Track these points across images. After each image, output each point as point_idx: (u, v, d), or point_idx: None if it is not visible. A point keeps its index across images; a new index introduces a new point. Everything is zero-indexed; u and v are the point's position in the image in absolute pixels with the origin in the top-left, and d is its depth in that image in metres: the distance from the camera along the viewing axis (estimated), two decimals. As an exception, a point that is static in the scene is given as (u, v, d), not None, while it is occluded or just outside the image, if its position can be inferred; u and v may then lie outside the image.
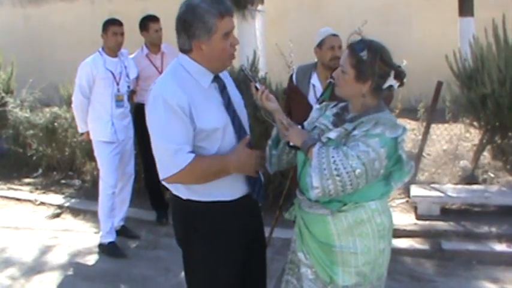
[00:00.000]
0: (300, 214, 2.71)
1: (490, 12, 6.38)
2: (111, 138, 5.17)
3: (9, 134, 7.91)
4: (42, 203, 6.67)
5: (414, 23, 9.87)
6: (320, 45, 4.15)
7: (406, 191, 5.83)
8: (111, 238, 5.22)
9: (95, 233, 5.64)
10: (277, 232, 4.59)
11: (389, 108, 2.75)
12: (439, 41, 8.73)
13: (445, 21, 9.15)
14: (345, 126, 2.52)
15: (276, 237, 4.73)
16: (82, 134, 5.40)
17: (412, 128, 6.61)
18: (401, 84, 2.56)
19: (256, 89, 2.68)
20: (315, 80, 4.21)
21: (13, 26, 12.26)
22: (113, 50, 5.19)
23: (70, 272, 4.93)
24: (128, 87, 5.33)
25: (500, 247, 4.92)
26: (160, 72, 5.23)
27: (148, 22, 5.61)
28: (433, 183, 5.97)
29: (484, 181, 6.02)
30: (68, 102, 6.89)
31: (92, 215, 6.03)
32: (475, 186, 5.81)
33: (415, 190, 5.66)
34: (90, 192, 6.66)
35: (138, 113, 5.33)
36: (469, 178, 6.03)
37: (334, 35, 4.15)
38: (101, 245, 5.25)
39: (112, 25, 5.16)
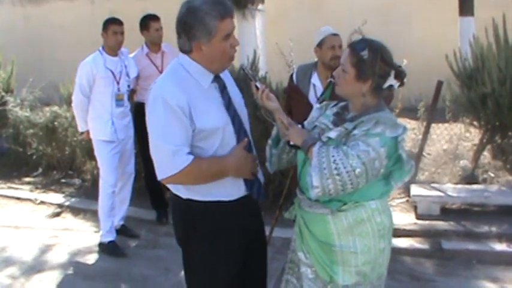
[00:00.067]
0: (300, 213, 2.71)
1: (490, 12, 6.37)
2: (111, 137, 5.17)
3: (9, 133, 7.91)
4: (42, 202, 6.67)
5: (414, 22, 9.87)
6: (320, 44, 4.14)
7: (406, 191, 5.83)
8: (111, 237, 5.22)
9: (95, 232, 5.64)
10: (277, 231, 4.59)
11: (389, 107, 2.75)
12: (439, 40, 8.73)
13: (445, 20, 9.14)
14: (345, 125, 2.52)
15: (276, 237, 4.73)
16: (82, 133, 5.40)
17: (412, 128, 6.60)
18: (402, 84, 2.56)
19: (257, 88, 2.68)
20: (315, 79, 4.21)
21: (13, 25, 12.25)
22: (113, 49, 5.19)
23: (70, 271, 4.94)
24: (128, 86, 5.33)
25: (500, 247, 4.92)
26: (161, 72, 5.24)
27: (148, 21, 5.61)
28: (433, 182, 5.97)
29: (484, 181, 6.02)
30: (68, 102, 6.88)
31: (92, 214, 6.03)
32: (475, 186, 5.82)
33: (415, 189, 5.66)
34: (90, 191, 6.66)
35: (138, 112, 5.33)
36: (469, 178, 6.03)
37: (335, 34, 4.15)
38: (101, 244, 5.25)
39: (112, 24, 5.16)
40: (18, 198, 6.84)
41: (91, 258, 5.17)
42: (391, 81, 2.52)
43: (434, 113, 6.14)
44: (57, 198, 6.74)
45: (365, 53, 2.48)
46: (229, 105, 2.64)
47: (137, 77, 5.54)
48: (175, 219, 2.81)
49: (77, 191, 6.92)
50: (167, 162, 2.50)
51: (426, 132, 6.18)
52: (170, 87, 2.51)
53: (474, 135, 6.79)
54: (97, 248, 5.27)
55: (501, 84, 5.82)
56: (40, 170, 7.59)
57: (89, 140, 5.41)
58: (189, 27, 2.49)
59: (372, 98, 2.55)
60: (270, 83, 6.11)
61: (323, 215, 2.58)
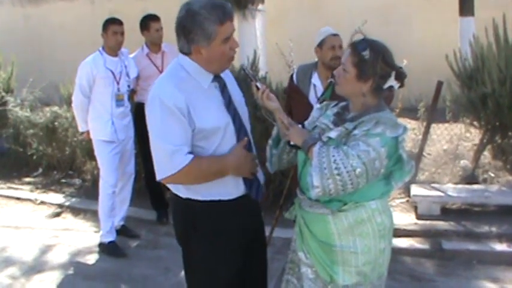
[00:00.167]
0: (301, 213, 2.71)
1: (490, 12, 6.37)
2: (111, 138, 5.17)
3: (9, 133, 7.91)
4: (42, 202, 6.67)
5: (414, 23, 9.86)
6: (321, 45, 4.15)
7: (407, 191, 5.83)
8: (111, 237, 5.22)
9: (95, 232, 5.64)
10: (278, 231, 4.60)
11: (389, 107, 2.75)
12: (440, 40, 8.73)
13: (445, 21, 9.14)
14: (346, 125, 2.52)
15: (276, 237, 4.74)
16: (82, 133, 5.41)
17: (412, 128, 6.60)
18: (402, 85, 2.56)
19: (257, 88, 2.68)
20: (315, 79, 4.21)
21: (13, 25, 12.25)
22: (113, 49, 5.19)
23: (70, 271, 4.94)
24: (128, 86, 5.33)
25: (501, 247, 4.92)
26: (161, 72, 5.23)
27: (149, 21, 5.61)
28: (434, 182, 5.96)
29: (485, 181, 6.02)
30: (68, 102, 6.88)
31: (92, 215, 6.03)
32: (475, 186, 5.81)
33: (416, 190, 5.66)
34: (90, 191, 6.66)
35: (139, 113, 5.33)
36: (470, 178, 6.03)
37: (335, 34, 4.15)
38: (101, 245, 5.25)
39: (112, 24, 5.16)
40: (18, 199, 6.84)
41: (91, 259, 5.17)
42: (392, 82, 2.52)
43: (435, 113, 6.14)
44: (58, 198, 6.74)
45: (366, 53, 2.48)
46: (229, 104, 2.65)
47: (137, 77, 5.54)
48: (175, 219, 2.81)
49: (77, 191, 6.93)
50: (166, 162, 2.51)
51: (426, 132, 6.18)
52: (168, 88, 2.51)
53: (474, 135, 6.79)
54: (97, 248, 5.27)
55: (501, 84, 5.82)
56: (40, 170, 7.59)
57: (89, 140, 5.41)
58: (188, 31, 2.49)
59: (372, 98, 2.55)
60: (270, 83, 6.11)
61: (323, 215, 2.58)
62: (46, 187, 7.13)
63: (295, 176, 2.91)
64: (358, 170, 2.36)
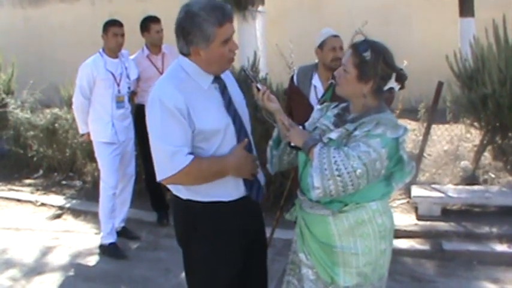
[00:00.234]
0: (301, 215, 2.71)
1: (490, 13, 6.38)
2: (112, 139, 5.17)
3: (9, 135, 7.91)
4: (42, 204, 6.67)
5: (414, 23, 9.87)
6: (321, 46, 4.15)
7: (407, 192, 5.83)
8: (111, 239, 5.21)
9: (96, 234, 5.64)
10: (278, 233, 4.59)
11: (389, 108, 2.75)
12: (440, 41, 8.74)
13: (445, 21, 9.14)
14: (346, 126, 2.52)
15: (277, 238, 4.73)
16: (83, 135, 5.41)
17: (412, 129, 6.61)
18: (402, 87, 2.56)
19: (258, 89, 2.68)
20: (316, 80, 4.21)
21: (13, 27, 12.26)
22: (113, 51, 5.19)
23: (71, 273, 4.93)
24: (129, 88, 5.34)
25: (501, 247, 4.91)
26: (161, 73, 5.24)
27: (149, 23, 5.61)
28: (434, 183, 5.96)
29: (485, 181, 6.01)
30: (69, 103, 6.89)
31: (92, 216, 6.04)
32: (475, 187, 5.81)
33: (416, 190, 5.66)
34: (90, 193, 6.66)
35: (139, 114, 5.33)
36: (470, 178, 6.03)
37: (336, 36, 4.16)
38: (101, 246, 5.25)
39: (112, 26, 5.16)
40: (18, 200, 6.84)
41: (92, 260, 5.17)
42: (392, 83, 2.52)
43: (435, 114, 6.14)
44: (58, 200, 6.74)
45: (367, 54, 2.48)
46: (229, 105, 2.65)
47: (138, 79, 5.55)
48: (175, 220, 2.82)
49: (78, 193, 6.92)
50: (167, 162, 2.51)
51: (427, 133, 6.18)
52: (168, 89, 2.51)
53: (475, 136, 6.79)
54: (98, 250, 5.27)
55: (501, 85, 5.82)
56: (41, 171, 7.59)
57: (90, 142, 5.41)
58: (187, 32, 2.49)
59: (372, 99, 2.55)
60: (270, 85, 6.11)
61: (324, 216, 2.58)
62: (46, 189, 7.14)
63: (296, 177, 2.91)
64: (359, 171, 2.36)
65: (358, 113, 2.57)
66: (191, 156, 2.49)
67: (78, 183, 7.17)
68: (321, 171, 2.38)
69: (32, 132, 7.54)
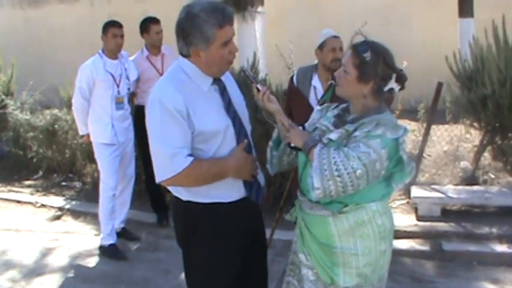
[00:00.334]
0: (301, 215, 2.71)
1: (489, 13, 6.38)
2: (112, 140, 5.17)
3: (9, 136, 7.90)
4: (42, 205, 6.66)
5: (414, 23, 9.87)
6: (321, 47, 4.15)
7: (407, 192, 5.83)
8: (111, 240, 5.21)
9: (96, 235, 5.64)
10: (278, 234, 4.59)
11: (389, 109, 2.75)
12: (439, 41, 8.74)
13: (444, 22, 9.15)
14: (346, 127, 2.52)
15: (277, 239, 4.74)
16: (82, 136, 5.41)
17: (412, 129, 6.60)
18: (402, 87, 2.56)
19: (258, 90, 2.68)
20: (315, 81, 4.21)
21: (13, 28, 12.25)
22: (112, 52, 5.19)
23: (70, 274, 4.93)
24: (128, 89, 5.34)
25: (501, 248, 4.91)
26: (161, 74, 5.24)
27: (149, 24, 5.61)
28: (434, 184, 5.97)
29: (485, 182, 6.01)
30: (68, 105, 6.88)
31: (92, 217, 6.03)
32: (475, 187, 5.81)
33: (416, 191, 5.66)
34: (90, 194, 6.66)
35: (139, 115, 5.34)
36: (470, 179, 6.03)
37: (335, 36, 4.16)
38: (101, 247, 5.25)
39: (112, 27, 5.16)
40: (18, 202, 6.84)
41: (91, 261, 5.17)
42: (392, 84, 2.52)
43: (435, 115, 6.14)
44: (58, 201, 6.73)
45: (368, 55, 2.48)
46: (229, 107, 2.64)
47: (137, 80, 5.55)
48: (175, 221, 2.81)
49: (78, 194, 6.92)
50: (166, 164, 2.51)
51: (426, 133, 6.18)
52: (168, 90, 2.51)
53: (474, 136, 6.79)
54: (97, 251, 5.27)
55: (501, 85, 5.82)
56: (40, 173, 7.59)
57: (89, 143, 5.41)
58: (186, 33, 2.49)
59: (372, 99, 2.55)
60: (270, 85, 6.11)
61: (324, 217, 2.58)
62: (46, 190, 7.13)
63: (296, 178, 2.91)
64: (359, 171, 2.36)
65: (358, 114, 2.57)
66: (191, 158, 2.49)
67: (77, 184, 7.17)
68: (320, 172, 2.38)
69: (31, 134, 7.54)
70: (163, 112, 2.47)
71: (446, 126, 7.06)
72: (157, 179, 2.57)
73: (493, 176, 6.09)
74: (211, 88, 2.61)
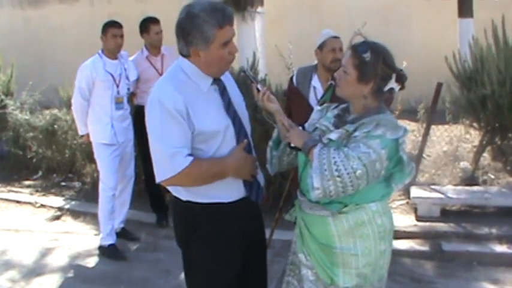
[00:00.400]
0: (301, 215, 2.71)
1: (489, 13, 6.39)
2: (111, 140, 5.17)
3: (9, 136, 7.90)
4: (42, 206, 6.66)
5: (414, 23, 9.87)
6: (321, 47, 4.15)
7: (406, 193, 5.83)
8: (111, 240, 5.21)
9: (95, 235, 5.63)
10: (278, 234, 4.60)
11: (389, 109, 2.75)
12: (439, 42, 8.74)
13: (444, 22, 9.15)
14: (346, 127, 2.52)
15: (276, 239, 4.74)
16: (82, 136, 5.41)
17: (412, 129, 6.60)
18: (402, 87, 2.57)
19: (258, 90, 2.68)
20: (315, 81, 4.21)
21: (13, 28, 12.24)
22: (112, 52, 5.19)
23: (70, 274, 4.93)
24: (128, 89, 5.34)
25: (501, 248, 4.92)
26: (161, 74, 5.24)
27: (149, 24, 5.61)
28: (433, 184, 5.97)
29: (484, 182, 6.02)
30: (68, 105, 6.87)
31: (92, 217, 6.03)
32: (475, 188, 5.81)
33: (415, 191, 5.66)
34: (90, 194, 6.65)
35: (138, 115, 5.33)
36: (469, 179, 6.03)
37: (335, 37, 4.16)
38: (101, 247, 5.24)
39: (111, 27, 5.16)
40: (18, 202, 6.84)
41: (91, 262, 5.17)
42: (392, 84, 2.52)
43: (434, 115, 6.14)
44: (57, 201, 6.73)
45: (367, 55, 2.48)
46: (229, 107, 2.65)
47: (137, 80, 5.54)
48: (175, 221, 2.81)
49: (77, 194, 6.92)
50: (166, 164, 2.51)
51: (426, 134, 6.18)
52: (167, 90, 2.52)
53: (474, 136, 6.80)
54: (97, 251, 5.26)
55: (501, 86, 5.82)
56: (40, 173, 7.58)
57: (89, 143, 5.41)
58: (186, 33, 2.50)
59: (372, 100, 2.55)
60: (269, 85, 6.10)
61: (324, 217, 2.58)
62: (46, 190, 7.13)
63: (295, 178, 2.91)
64: (359, 171, 2.36)
65: (358, 114, 2.57)
66: (191, 158, 2.49)
67: (77, 184, 7.17)
68: (320, 172, 2.38)
69: (31, 134, 7.53)
70: (163, 112, 2.47)
71: (446, 126, 7.06)
72: (158, 179, 2.57)
73: (492, 177, 6.09)
74: (211, 88, 2.61)
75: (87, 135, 5.26)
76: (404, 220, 5.46)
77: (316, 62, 4.28)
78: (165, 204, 5.87)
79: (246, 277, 2.77)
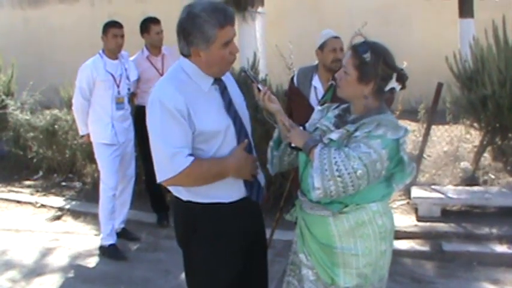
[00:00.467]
0: (301, 215, 2.71)
1: (489, 14, 6.38)
2: (112, 141, 5.17)
3: (9, 137, 7.90)
4: (42, 206, 6.66)
5: (414, 24, 9.87)
6: (322, 47, 4.15)
7: (407, 193, 5.83)
8: (111, 240, 5.21)
9: (96, 235, 5.64)
10: (278, 234, 4.60)
11: (390, 109, 2.75)
12: (439, 42, 8.74)
13: (445, 22, 9.15)
14: (347, 127, 2.52)
15: (277, 239, 4.74)
16: (82, 136, 5.41)
17: (412, 130, 6.60)
18: (403, 87, 2.56)
19: (259, 90, 2.68)
20: (316, 81, 4.21)
21: (13, 28, 12.24)
22: (113, 52, 5.19)
23: (70, 275, 4.93)
24: (128, 89, 5.34)
25: (501, 248, 4.91)
26: (161, 74, 5.24)
27: (149, 24, 5.61)
28: (434, 184, 5.97)
29: (485, 182, 6.01)
30: (69, 105, 6.89)
31: (92, 217, 6.03)
32: (475, 188, 5.81)
33: (416, 191, 5.66)
34: (90, 194, 6.66)
35: (139, 115, 5.34)
36: (470, 179, 6.03)
37: (336, 37, 4.16)
38: (101, 247, 5.24)
39: (112, 27, 5.16)
40: (18, 202, 6.84)
41: (91, 262, 5.17)
42: (393, 84, 2.52)
43: (435, 115, 6.14)
44: (58, 201, 6.73)
45: (367, 56, 2.48)
46: (229, 107, 2.65)
47: (138, 80, 5.55)
48: (176, 221, 2.81)
49: (78, 194, 6.92)
50: (167, 164, 2.51)
51: (426, 134, 6.18)
52: (168, 90, 2.52)
53: (474, 136, 6.80)
54: (97, 251, 5.27)
55: (501, 86, 5.82)
56: (40, 173, 7.58)
57: (90, 143, 5.41)
58: (187, 33, 2.50)
59: (373, 100, 2.55)
60: (270, 85, 6.11)
61: (324, 217, 2.58)
62: (46, 190, 7.13)
63: (296, 178, 2.91)
64: (359, 171, 2.36)
65: (359, 114, 2.57)
66: (191, 158, 2.49)
67: (78, 184, 7.17)
68: (321, 172, 2.38)
69: (31, 134, 7.54)
70: (163, 112, 2.47)
71: (447, 126, 7.06)
72: (158, 179, 2.58)
73: (493, 177, 6.09)
74: (212, 88, 2.61)
75: (88, 135, 5.26)
76: (405, 220, 5.46)
77: (316, 62, 4.29)
78: (165, 204, 5.87)
79: (247, 277, 2.77)
